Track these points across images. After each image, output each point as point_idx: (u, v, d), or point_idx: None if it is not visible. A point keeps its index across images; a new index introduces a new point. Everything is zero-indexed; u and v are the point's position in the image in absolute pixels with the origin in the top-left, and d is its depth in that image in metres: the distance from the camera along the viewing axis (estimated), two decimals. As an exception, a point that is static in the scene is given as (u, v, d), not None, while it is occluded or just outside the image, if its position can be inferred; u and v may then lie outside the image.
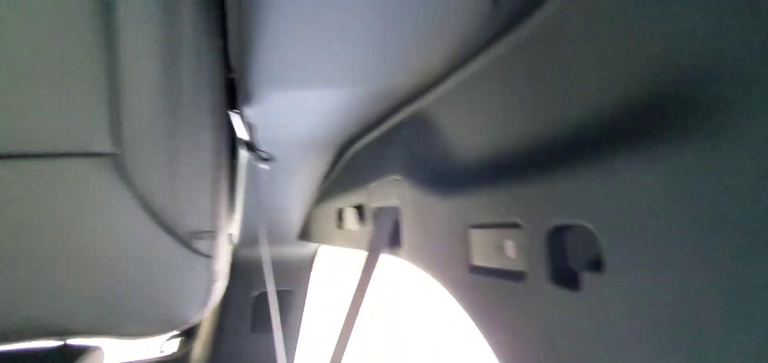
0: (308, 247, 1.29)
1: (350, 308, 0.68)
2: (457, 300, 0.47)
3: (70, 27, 0.50)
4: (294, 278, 1.30)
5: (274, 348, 1.28)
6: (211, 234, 0.60)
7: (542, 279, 0.35)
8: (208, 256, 0.61)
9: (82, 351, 0.60)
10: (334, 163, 0.95)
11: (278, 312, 0.83)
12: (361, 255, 0.82)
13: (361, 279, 0.68)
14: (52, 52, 0.49)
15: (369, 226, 0.74)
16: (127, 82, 0.51)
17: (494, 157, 0.45)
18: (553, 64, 0.37)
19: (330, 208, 0.96)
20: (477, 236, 0.45)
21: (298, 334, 1.31)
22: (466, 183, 0.48)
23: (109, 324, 0.57)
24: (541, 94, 0.38)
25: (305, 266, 1.32)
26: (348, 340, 0.67)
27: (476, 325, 0.43)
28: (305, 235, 1.17)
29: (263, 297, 1.23)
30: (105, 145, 0.53)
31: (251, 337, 1.22)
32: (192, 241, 0.59)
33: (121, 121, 0.53)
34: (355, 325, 0.67)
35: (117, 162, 0.54)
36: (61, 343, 0.61)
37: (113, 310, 0.57)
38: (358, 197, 0.79)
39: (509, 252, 0.40)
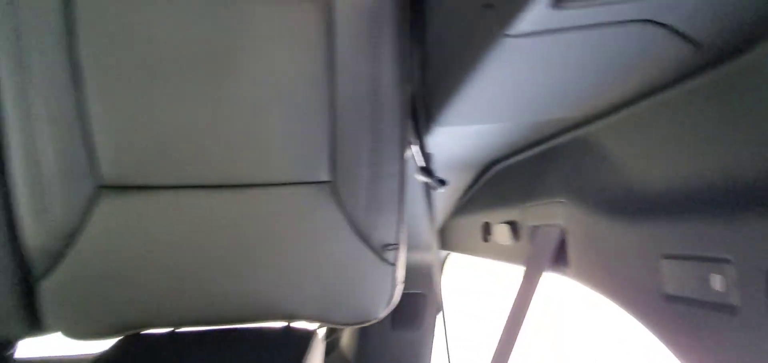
0: (439, 254, 1.36)
1: (510, 322, 0.72)
2: (649, 328, 0.48)
3: (300, 67, 0.61)
4: (426, 283, 1.37)
5: (412, 344, 1.38)
6: (395, 246, 0.71)
7: (761, 315, 0.36)
8: (393, 265, 0.72)
9: (301, 332, 0.76)
10: (477, 179, 1.00)
11: (435, 314, 0.91)
12: (511, 268, 0.85)
13: (521, 293, 0.71)
14: (287, 93, 0.62)
15: (523, 243, 0.78)
16: (342, 118, 0.63)
17: (692, 190, 0.46)
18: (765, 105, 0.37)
19: (472, 221, 1.01)
20: (671, 266, 0.46)
21: (433, 334, 1.39)
22: (655, 212, 0.49)
23: (323, 313, 0.72)
24: (755, 132, 0.39)
25: (437, 272, 1.39)
26: (510, 354, 0.71)
27: (676, 355, 0.45)
28: (441, 244, 1.24)
29: (402, 298, 1.34)
30: (325, 175, 0.65)
31: (392, 333, 1.34)
32: (383, 252, 0.70)
33: (337, 153, 0.64)
34: (516, 339, 0.71)
35: (332, 188, 0.66)
36: (285, 324, 0.77)
37: (325, 303, 0.71)
38: (508, 214, 0.83)
39: (716, 285, 0.41)
